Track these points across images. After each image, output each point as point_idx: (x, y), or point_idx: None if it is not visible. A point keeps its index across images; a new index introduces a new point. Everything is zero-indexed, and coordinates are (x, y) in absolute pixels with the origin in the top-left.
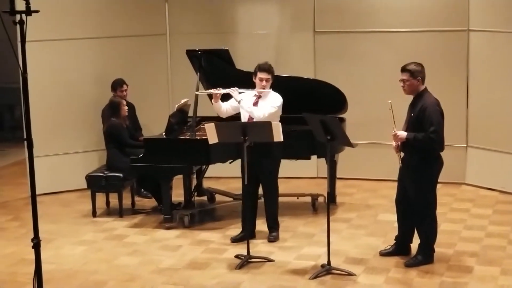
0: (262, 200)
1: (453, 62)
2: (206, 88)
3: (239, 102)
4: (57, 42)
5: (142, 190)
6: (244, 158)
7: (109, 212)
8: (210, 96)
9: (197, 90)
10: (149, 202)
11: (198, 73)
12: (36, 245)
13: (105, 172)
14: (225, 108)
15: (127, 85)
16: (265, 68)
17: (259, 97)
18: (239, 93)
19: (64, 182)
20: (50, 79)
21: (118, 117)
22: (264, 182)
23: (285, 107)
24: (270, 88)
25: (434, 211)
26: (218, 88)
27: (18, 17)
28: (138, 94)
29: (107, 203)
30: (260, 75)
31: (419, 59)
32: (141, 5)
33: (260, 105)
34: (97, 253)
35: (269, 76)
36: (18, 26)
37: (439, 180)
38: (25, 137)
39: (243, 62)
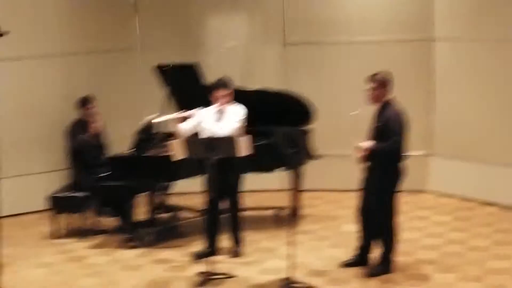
0: (224, 215)
1: (419, 70)
2: (175, 104)
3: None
4: (20, 61)
5: (104, 209)
6: (212, 173)
7: (70, 233)
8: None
9: (166, 105)
10: (111, 222)
11: (167, 88)
12: None
13: (67, 193)
14: (188, 130)
15: (95, 102)
16: (221, 83)
17: (221, 112)
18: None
19: (24, 204)
20: (12, 99)
21: (87, 134)
22: (229, 197)
23: (250, 120)
24: (232, 101)
25: (394, 221)
26: (179, 112)
27: None
28: (106, 110)
29: (68, 224)
30: (217, 92)
31: (386, 67)
32: (110, 19)
33: (224, 121)
34: (57, 276)
35: (227, 91)
36: None
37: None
38: None
39: (213, 76)
